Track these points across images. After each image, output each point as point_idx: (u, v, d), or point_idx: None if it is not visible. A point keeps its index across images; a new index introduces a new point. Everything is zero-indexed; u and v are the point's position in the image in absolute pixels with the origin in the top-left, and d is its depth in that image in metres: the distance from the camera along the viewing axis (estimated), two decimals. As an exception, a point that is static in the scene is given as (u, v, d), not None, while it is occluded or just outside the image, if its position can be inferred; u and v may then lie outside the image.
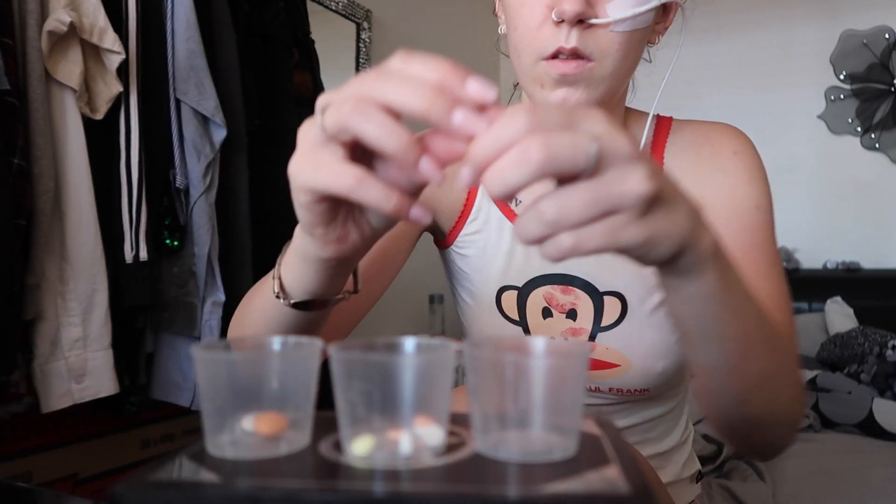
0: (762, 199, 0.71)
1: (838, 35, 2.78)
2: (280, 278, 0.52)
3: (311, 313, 0.52)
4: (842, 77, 2.78)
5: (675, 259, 0.40)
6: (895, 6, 2.70)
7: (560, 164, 0.34)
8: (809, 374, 2.09)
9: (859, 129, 2.76)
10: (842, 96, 2.79)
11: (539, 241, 0.36)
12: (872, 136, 2.74)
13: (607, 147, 0.35)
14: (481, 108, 0.35)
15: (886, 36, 2.71)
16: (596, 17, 0.62)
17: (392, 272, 0.78)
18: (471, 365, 0.34)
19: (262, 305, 0.56)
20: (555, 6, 0.62)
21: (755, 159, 0.73)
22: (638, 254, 0.38)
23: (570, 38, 0.62)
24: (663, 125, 0.77)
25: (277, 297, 0.51)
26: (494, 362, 0.33)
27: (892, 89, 2.71)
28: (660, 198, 0.37)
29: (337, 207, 0.43)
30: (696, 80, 2.79)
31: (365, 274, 0.66)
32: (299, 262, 0.49)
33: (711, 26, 2.89)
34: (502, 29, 0.73)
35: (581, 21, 0.62)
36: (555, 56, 0.64)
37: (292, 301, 0.51)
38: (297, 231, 0.47)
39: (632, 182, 0.35)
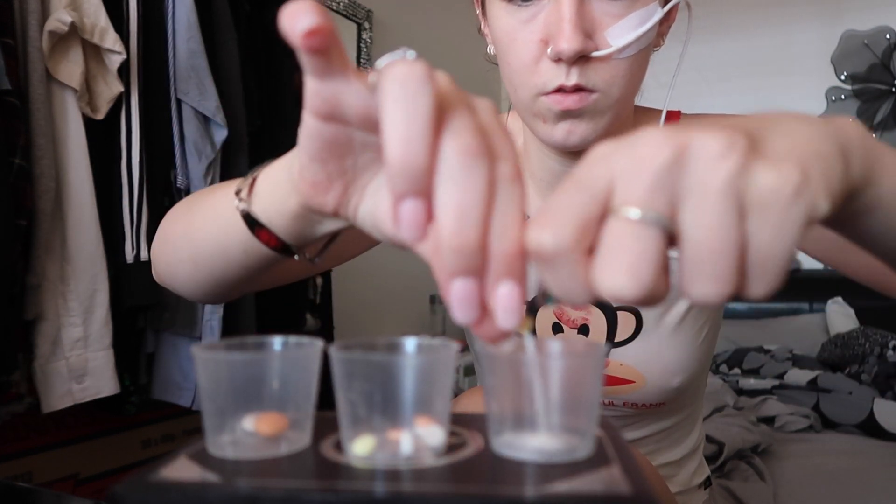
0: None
1: (839, 35, 2.77)
2: (255, 179, 0.44)
3: (256, 243, 0.45)
4: (843, 77, 2.78)
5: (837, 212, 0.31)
6: (896, 6, 2.70)
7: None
8: (810, 375, 2.09)
9: (860, 129, 2.76)
10: (843, 97, 2.79)
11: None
12: (873, 136, 2.74)
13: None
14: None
15: (887, 36, 2.70)
16: (597, 49, 0.58)
17: (367, 243, 0.71)
18: (487, 365, 0.34)
19: (211, 213, 0.49)
20: (550, 42, 0.57)
21: None
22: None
23: (570, 76, 0.58)
24: (672, 120, 0.74)
25: (237, 193, 0.44)
26: (512, 362, 0.33)
27: (893, 90, 2.71)
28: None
29: (344, 151, 0.35)
30: (697, 81, 2.79)
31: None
32: (284, 174, 0.41)
33: (712, 27, 2.89)
34: (491, 49, 0.69)
35: (582, 56, 0.57)
36: (556, 90, 0.59)
37: (244, 208, 0.44)
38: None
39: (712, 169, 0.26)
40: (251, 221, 0.44)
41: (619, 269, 0.26)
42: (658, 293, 0.27)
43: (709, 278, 0.27)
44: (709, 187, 0.26)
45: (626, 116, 0.69)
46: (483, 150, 0.28)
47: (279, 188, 0.42)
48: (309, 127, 0.34)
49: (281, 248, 0.44)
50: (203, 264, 0.52)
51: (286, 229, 0.43)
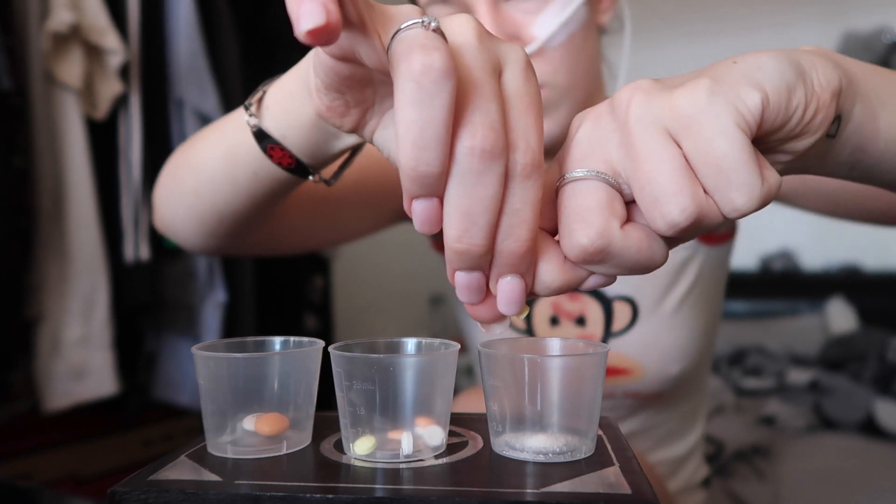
0: None
1: (839, 35, 2.77)
2: (264, 94, 0.42)
3: (268, 164, 0.43)
4: (843, 77, 2.78)
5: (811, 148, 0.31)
6: (896, 7, 2.70)
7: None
8: (810, 375, 2.09)
9: (860, 129, 2.75)
10: (843, 97, 2.79)
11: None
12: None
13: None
14: None
15: (888, 36, 2.70)
16: (523, 47, 0.58)
17: (382, 203, 0.69)
18: (487, 365, 0.34)
19: (218, 138, 0.48)
20: None
21: None
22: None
23: None
24: None
25: (247, 107, 0.42)
26: (511, 361, 0.33)
27: (893, 90, 2.71)
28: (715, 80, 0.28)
29: (363, 84, 0.33)
30: (697, 81, 2.79)
31: (357, 179, 0.60)
32: (299, 84, 0.39)
33: (711, 27, 2.89)
34: None
35: None
36: None
37: (255, 124, 0.42)
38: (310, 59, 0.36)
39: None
40: (263, 138, 0.42)
41: (570, 225, 0.28)
42: (617, 242, 0.28)
43: (660, 200, 0.27)
44: (625, 128, 0.28)
45: (595, 96, 0.68)
46: (497, 149, 0.26)
47: (293, 99, 0.40)
48: (324, 62, 0.31)
49: (295, 167, 0.43)
50: (207, 195, 0.50)
51: (301, 143, 0.41)
